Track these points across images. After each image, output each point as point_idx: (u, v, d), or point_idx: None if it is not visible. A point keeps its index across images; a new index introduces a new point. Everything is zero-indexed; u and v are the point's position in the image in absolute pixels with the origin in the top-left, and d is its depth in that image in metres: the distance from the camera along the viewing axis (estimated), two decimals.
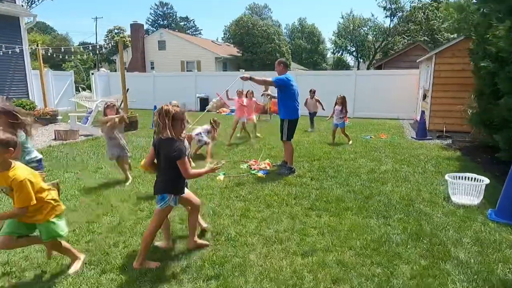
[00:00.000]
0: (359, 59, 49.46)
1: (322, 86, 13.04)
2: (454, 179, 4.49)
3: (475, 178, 4.44)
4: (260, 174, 5.55)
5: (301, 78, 15.62)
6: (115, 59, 31.58)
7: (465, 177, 4.50)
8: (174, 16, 58.84)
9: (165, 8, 57.58)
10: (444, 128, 9.30)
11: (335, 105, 8.38)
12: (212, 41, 33.26)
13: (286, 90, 5.54)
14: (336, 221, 3.77)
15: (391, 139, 8.97)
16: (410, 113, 13.59)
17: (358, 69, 45.59)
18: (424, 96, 10.47)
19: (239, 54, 29.67)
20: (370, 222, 3.76)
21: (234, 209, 4.14)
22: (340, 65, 48.01)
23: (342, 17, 47.73)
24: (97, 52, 43.88)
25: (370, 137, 9.18)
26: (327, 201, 4.39)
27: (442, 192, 4.74)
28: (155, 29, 49.50)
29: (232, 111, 15.89)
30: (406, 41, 40.24)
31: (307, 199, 4.49)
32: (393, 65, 15.77)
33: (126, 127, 10.21)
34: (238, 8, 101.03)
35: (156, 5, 56.85)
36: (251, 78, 5.38)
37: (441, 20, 39.77)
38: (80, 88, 16.27)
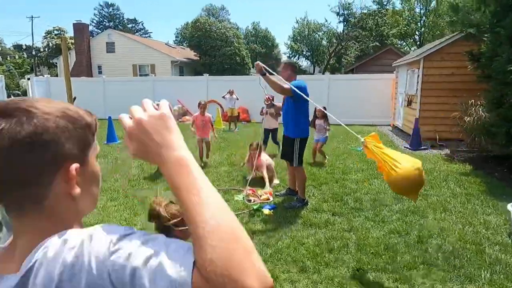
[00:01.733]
0: (314, 64, 49.95)
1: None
2: None
3: None
4: (267, 210, 4.26)
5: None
6: (56, 63, 28.28)
7: None
8: (121, 18, 55.37)
9: (111, 9, 53.91)
10: (437, 136, 8.70)
11: (315, 118, 6.79)
12: (166, 44, 31.18)
13: (301, 102, 4.30)
14: None
15: None
16: (385, 119, 13.11)
17: (313, 73, 45.99)
18: (410, 102, 9.89)
19: (196, 58, 28.02)
20: None
21: None
22: (297, 69, 48.05)
23: (297, 22, 48.00)
24: (34, 54, 39.55)
25: (361, 149, 8.28)
26: (375, 253, 3.23)
27: (498, 226, 3.83)
28: (100, 31, 45.90)
29: None
30: (357, 46, 41.36)
31: (346, 251, 3.30)
32: (365, 69, 15.35)
33: None
34: (190, 10, 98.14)
35: (100, 5, 53.01)
36: (265, 75, 4.04)
37: (389, 27, 41.50)
38: (12, 96, 13.74)
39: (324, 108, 6.79)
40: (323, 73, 42.62)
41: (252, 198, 4.70)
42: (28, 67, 52.39)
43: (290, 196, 4.77)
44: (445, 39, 8.99)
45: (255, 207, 4.38)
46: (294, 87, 4.05)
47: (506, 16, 5.40)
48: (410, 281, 2.79)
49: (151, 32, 66.46)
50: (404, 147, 8.60)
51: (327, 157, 6.89)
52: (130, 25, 55.95)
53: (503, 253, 3.22)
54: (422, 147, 8.26)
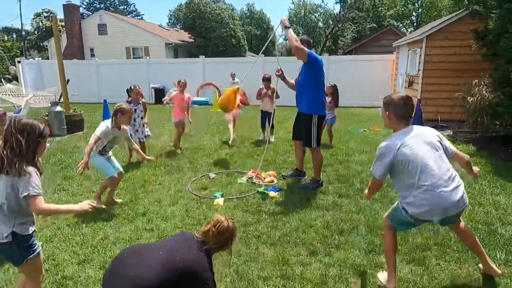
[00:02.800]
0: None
1: (290, 74, 11.95)
2: None
3: None
4: (272, 193, 4.16)
5: (264, 65, 14.33)
6: (47, 45, 27.54)
7: None
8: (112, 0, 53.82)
9: None
10: (439, 118, 8.60)
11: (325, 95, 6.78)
12: (159, 26, 30.41)
13: (316, 74, 4.15)
14: (430, 277, 2.55)
15: (386, 132, 8.04)
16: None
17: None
18: (411, 83, 9.73)
19: (191, 40, 27.38)
20: (474, 274, 2.58)
21: (265, 263, 2.73)
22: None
23: (293, 3, 47.06)
24: (24, 37, 38.46)
25: (364, 130, 8.19)
26: None
27: (508, 206, 3.77)
28: (91, 13, 44.61)
29: (194, 102, 14.13)
30: (354, 28, 40.74)
31: (356, 233, 3.22)
32: (363, 50, 15.07)
33: (70, 128, 8.21)
34: None
35: None
36: (288, 28, 4.13)
37: (386, 8, 40.86)
38: (3, 80, 13.33)
39: (335, 85, 6.68)
40: (320, 54, 42.19)
41: (256, 181, 4.59)
42: (18, 51, 51.03)
43: (298, 178, 4.67)
44: (449, 17, 8.76)
45: (260, 189, 4.27)
46: (309, 51, 3.97)
47: None
48: (425, 262, 2.72)
49: (143, 14, 65.04)
50: None
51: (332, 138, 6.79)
52: (121, 7, 54.41)
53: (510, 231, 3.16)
54: None
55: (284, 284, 2.47)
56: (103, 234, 3.24)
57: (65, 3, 24.78)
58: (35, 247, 1.95)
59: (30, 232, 1.92)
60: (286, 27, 4.16)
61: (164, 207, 3.84)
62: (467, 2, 7.25)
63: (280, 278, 2.55)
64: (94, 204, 2.02)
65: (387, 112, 2.35)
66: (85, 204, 1.97)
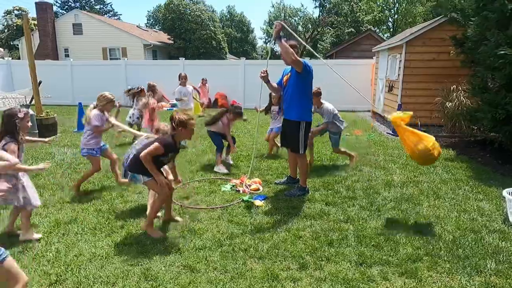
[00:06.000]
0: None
1: (275, 77, 11.96)
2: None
3: None
4: (258, 202, 4.02)
5: (245, 68, 14.22)
6: (18, 45, 26.37)
7: None
8: None
9: None
10: (418, 122, 8.73)
11: (271, 104, 6.09)
12: (137, 26, 29.77)
13: (307, 82, 4.08)
14: (417, 287, 2.48)
15: (368, 137, 8.09)
16: (365, 105, 13.10)
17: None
18: (391, 88, 9.86)
19: (170, 41, 26.95)
20: (467, 285, 2.53)
21: (253, 280, 2.59)
22: (273, 55, 47.65)
23: (273, 6, 47.30)
24: None
25: (346, 135, 8.19)
26: (376, 245, 3.08)
27: (492, 212, 3.79)
28: (65, 12, 43.19)
29: (173, 105, 13.83)
30: (333, 32, 41.35)
31: (346, 243, 3.12)
32: (343, 54, 15.20)
33: (42, 132, 7.76)
34: None
35: None
36: (281, 38, 3.94)
37: (364, 13, 41.75)
38: None
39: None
40: (300, 57, 42.49)
41: (240, 189, 4.44)
42: None
43: (290, 185, 4.56)
44: (427, 24, 8.92)
45: (245, 198, 4.12)
46: (304, 60, 3.90)
47: (494, 0, 5.32)
48: (417, 274, 2.65)
49: (121, 15, 63.72)
50: (386, 133, 8.59)
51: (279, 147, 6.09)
52: (97, 7, 53.04)
53: (503, 241, 3.15)
54: None
55: None
56: (78, 250, 3.00)
57: (37, 1, 23.82)
58: None
59: None
60: (278, 38, 3.97)
61: (143, 219, 3.63)
62: (442, 10, 7.38)
63: None
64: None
65: None
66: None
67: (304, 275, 2.65)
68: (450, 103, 7.67)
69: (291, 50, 3.91)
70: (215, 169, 5.20)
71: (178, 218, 3.58)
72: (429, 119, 8.73)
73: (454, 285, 2.53)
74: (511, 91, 5.13)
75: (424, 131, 8.35)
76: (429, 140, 3.64)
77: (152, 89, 5.81)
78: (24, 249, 3.01)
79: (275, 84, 4.39)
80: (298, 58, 3.98)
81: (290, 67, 4.24)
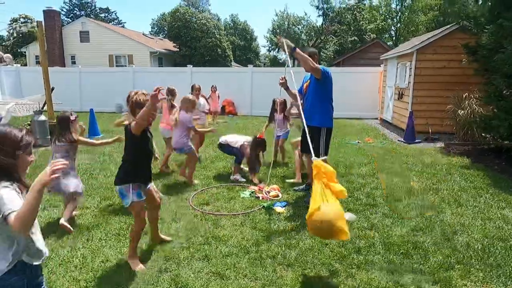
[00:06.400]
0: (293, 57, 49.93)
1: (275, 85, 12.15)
2: None
3: None
4: (279, 209, 3.99)
5: (252, 76, 14.27)
6: (25, 52, 26.62)
7: None
8: (93, 7, 53.09)
9: None
10: (430, 130, 8.71)
11: (274, 112, 5.97)
12: (143, 34, 30.03)
13: (327, 88, 4.09)
14: None
15: (381, 144, 8.07)
16: (373, 112, 13.11)
17: (293, 66, 45.82)
18: (401, 95, 9.86)
19: (175, 49, 27.15)
20: None
21: (286, 287, 2.55)
22: (276, 63, 47.90)
23: (277, 15, 47.70)
24: None
25: (358, 142, 8.18)
26: (405, 253, 3.04)
27: None
28: (70, 20, 43.70)
29: None
30: (336, 40, 41.60)
31: (374, 251, 3.09)
32: (351, 62, 15.27)
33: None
34: (166, 0, 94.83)
35: None
36: (294, 50, 3.87)
37: (367, 22, 42.01)
38: None
39: (285, 101, 5.85)
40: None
41: (259, 195, 4.41)
42: None
43: (309, 192, 4.53)
44: (438, 32, 8.96)
45: (265, 204, 4.10)
46: (322, 67, 3.90)
47: (510, 7, 5.34)
48: (451, 283, 2.61)
49: (125, 23, 64.32)
50: (398, 140, 8.56)
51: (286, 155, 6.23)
52: (102, 15, 53.69)
53: None
54: (417, 141, 8.24)
55: None
56: (104, 256, 2.97)
57: (45, 8, 24.11)
58: None
59: None
60: (293, 49, 3.93)
61: (167, 224, 3.61)
62: (454, 18, 7.41)
63: None
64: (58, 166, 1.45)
65: None
66: (45, 177, 1.40)
67: (336, 283, 2.61)
68: (462, 111, 7.66)
69: (309, 58, 3.93)
70: (232, 178, 5.17)
71: (167, 237, 3.25)
72: (440, 127, 8.73)
73: None
74: None
75: (436, 139, 8.36)
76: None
77: (172, 93, 5.76)
78: (50, 254, 2.98)
79: (294, 91, 4.39)
80: (316, 65, 4.00)
81: (309, 74, 4.26)
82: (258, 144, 5.14)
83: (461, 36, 8.05)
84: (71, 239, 3.27)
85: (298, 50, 3.93)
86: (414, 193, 4.60)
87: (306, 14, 63.59)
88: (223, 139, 5.29)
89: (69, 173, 3.50)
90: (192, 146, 4.96)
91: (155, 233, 3.19)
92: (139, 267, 2.77)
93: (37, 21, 8.02)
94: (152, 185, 2.97)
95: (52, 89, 8.18)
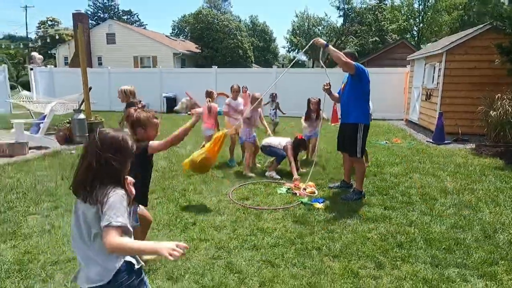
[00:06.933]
0: (313, 58, 49.72)
1: (300, 85, 12.80)
2: None
3: None
4: (318, 204, 4.13)
5: (276, 77, 14.40)
6: (54, 53, 27.68)
7: None
8: (116, 9, 54.56)
9: (105, 0, 52.94)
10: (460, 131, 8.63)
11: (311, 112, 6.08)
12: (167, 36, 30.69)
13: (363, 85, 4.20)
14: None
15: (408, 145, 8.07)
16: (398, 113, 13.03)
17: (312, 67, 45.69)
18: (429, 96, 9.80)
19: (198, 50, 27.63)
20: None
21: (334, 276, 2.69)
22: (295, 63, 47.86)
23: (297, 16, 47.65)
24: (30, 45, 38.67)
25: (386, 143, 8.20)
26: (447, 248, 3.12)
27: None
28: (94, 22, 45.04)
29: None
30: (357, 41, 41.18)
31: (416, 246, 3.18)
32: (376, 63, 15.20)
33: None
34: (187, 2, 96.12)
35: None
36: (327, 46, 4.08)
37: (388, 22, 41.37)
38: (19, 87, 13.36)
39: (319, 100, 5.92)
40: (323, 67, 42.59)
41: (297, 191, 4.56)
42: (22, 58, 51.09)
43: (344, 189, 4.66)
44: (469, 32, 8.87)
45: (303, 200, 4.24)
46: (356, 63, 4.03)
47: None
48: (496, 277, 2.68)
49: (146, 24, 65.76)
50: (427, 141, 8.52)
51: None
52: (125, 17, 55.09)
53: None
54: (446, 141, 8.18)
55: None
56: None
57: (74, 11, 25.01)
58: None
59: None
60: (326, 45, 4.16)
61: (211, 217, 3.80)
62: (490, 17, 7.34)
63: None
64: (181, 251, 1.38)
65: None
66: (166, 249, 1.37)
67: (383, 274, 2.73)
68: (494, 112, 7.57)
69: (341, 53, 4.07)
70: (267, 174, 5.34)
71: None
72: (469, 128, 8.63)
73: None
74: None
75: (466, 140, 8.27)
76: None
77: (209, 95, 5.97)
78: None
79: (336, 94, 4.54)
80: (349, 60, 4.08)
81: (347, 75, 4.38)
82: (300, 143, 5.35)
83: (494, 36, 7.96)
84: None
85: (330, 46, 4.12)
86: (449, 192, 4.64)
87: (326, 15, 63.10)
88: (266, 141, 5.53)
89: None
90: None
91: None
92: None
93: (78, 25, 8.44)
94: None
95: (90, 88, 8.58)
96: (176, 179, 5.15)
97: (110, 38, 25.84)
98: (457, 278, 2.68)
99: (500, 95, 7.61)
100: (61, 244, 3.14)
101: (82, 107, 8.69)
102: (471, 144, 7.94)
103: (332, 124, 10.06)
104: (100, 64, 25.52)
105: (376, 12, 42.06)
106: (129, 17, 56.60)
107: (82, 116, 7.90)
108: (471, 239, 3.30)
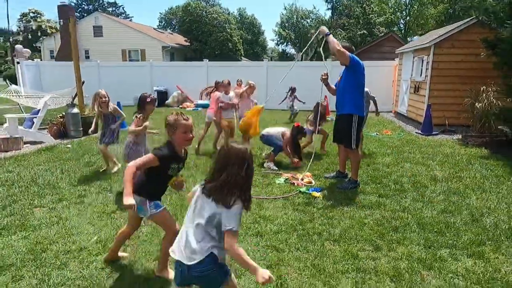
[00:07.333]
0: (302, 50, 49.98)
1: (296, 79, 12.62)
2: None
3: None
4: (316, 193, 4.30)
5: (267, 70, 14.54)
6: (39, 47, 27.07)
7: None
8: (101, 1, 53.51)
9: None
10: (447, 122, 8.94)
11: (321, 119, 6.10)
12: (154, 29, 30.32)
13: (358, 77, 4.36)
14: (494, 269, 2.73)
15: (398, 136, 8.33)
16: (387, 106, 13.31)
17: (301, 60, 45.89)
18: (417, 89, 10.07)
19: (187, 43, 27.42)
20: None
21: (336, 258, 2.87)
22: (284, 56, 47.97)
23: (285, 8, 47.68)
24: (11, 38, 37.63)
25: (376, 134, 8.45)
26: (439, 231, 3.34)
27: None
28: (79, 14, 44.13)
29: (198, 106, 14.18)
30: (345, 34, 41.41)
31: (410, 230, 3.39)
32: (365, 56, 15.40)
33: (84, 130, 8.09)
34: None
35: None
36: (328, 35, 4.30)
37: (376, 15, 41.66)
38: (7, 81, 13.11)
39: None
40: (311, 60, 42.78)
41: (294, 181, 4.72)
42: (3, 51, 49.79)
43: (340, 179, 4.84)
44: (456, 26, 9.12)
45: (302, 189, 4.41)
46: (351, 55, 4.17)
47: None
48: (484, 256, 2.91)
49: (132, 17, 64.65)
50: (416, 132, 8.80)
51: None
52: (110, 9, 54.06)
53: None
54: (434, 133, 8.47)
55: (362, 277, 2.62)
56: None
57: (59, 4, 24.47)
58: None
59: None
60: (326, 34, 4.35)
61: None
62: (476, 12, 7.57)
63: (356, 271, 2.69)
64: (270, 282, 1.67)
65: None
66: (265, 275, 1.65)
67: (381, 255, 2.92)
68: (480, 104, 7.88)
69: (337, 42, 4.23)
70: (265, 165, 5.50)
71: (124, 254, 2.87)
72: (456, 120, 8.94)
73: None
74: None
75: (453, 131, 8.56)
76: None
77: (216, 86, 6.42)
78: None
79: (333, 86, 4.69)
80: (344, 50, 4.23)
81: (343, 68, 4.53)
82: (299, 131, 5.55)
83: (479, 30, 8.23)
84: None
85: (331, 36, 4.30)
86: (439, 180, 4.88)
87: (315, 8, 63.30)
88: (265, 131, 5.71)
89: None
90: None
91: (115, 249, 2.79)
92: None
93: (69, 18, 8.35)
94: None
95: (83, 83, 8.54)
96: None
97: (97, 31, 25.41)
98: (448, 258, 2.89)
99: (485, 87, 7.92)
100: (70, 234, 3.23)
101: (75, 101, 8.65)
102: (458, 135, 8.26)
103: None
104: (87, 57, 25.09)
105: (364, 5, 42.30)
106: (114, 9, 55.58)
107: (76, 110, 7.88)
108: (460, 222, 3.53)
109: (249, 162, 1.79)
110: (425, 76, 9.49)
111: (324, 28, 4.46)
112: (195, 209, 1.85)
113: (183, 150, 2.47)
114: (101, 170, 5.26)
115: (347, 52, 4.26)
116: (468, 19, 8.88)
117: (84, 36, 25.55)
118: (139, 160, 2.24)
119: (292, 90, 11.19)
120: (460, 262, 2.83)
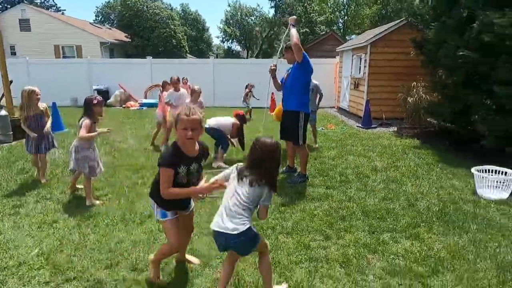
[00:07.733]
0: (247, 48, 50.24)
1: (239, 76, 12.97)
2: (480, 173, 4.30)
3: (503, 172, 4.34)
4: None
5: (214, 67, 14.46)
6: None
7: (490, 170, 4.37)
8: None
9: None
10: (384, 116, 9.64)
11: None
12: (91, 23, 28.44)
13: (306, 75, 4.50)
14: (428, 248, 3.04)
15: (341, 130, 8.81)
16: (330, 101, 13.96)
17: (247, 57, 46.29)
18: (357, 85, 10.71)
19: (127, 39, 26.15)
20: (459, 241, 3.15)
21: (290, 250, 2.99)
22: (230, 53, 47.94)
23: (229, 5, 47.50)
24: None
25: (322, 129, 8.84)
26: (381, 217, 3.63)
27: (463, 188, 4.54)
28: (0, 6, 39.90)
29: (142, 105, 13.65)
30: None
31: (355, 218, 3.63)
32: (308, 54, 16.00)
33: (15, 134, 7.37)
34: None
35: None
36: (294, 26, 4.39)
37: (317, 14, 43.32)
38: None
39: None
40: (256, 57, 43.32)
41: None
42: None
43: (290, 174, 4.98)
44: (388, 27, 9.85)
45: None
46: (307, 58, 4.30)
47: (451, 7, 6.18)
48: (419, 236, 3.22)
49: (64, 10, 60.04)
50: (357, 126, 9.37)
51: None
52: (38, 1, 49.60)
53: (476, 208, 3.86)
54: (373, 126, 9.09)
55: (315, 265, 2.76)
56: (118, 238, 3.18)
57: None
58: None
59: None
60: (292, 25, 4.44)
61: None
62: (406, 14, 8.25)
63: (309, 261, 2.82)
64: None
65: None
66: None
67: (331, 244, 3.10)
68: (411, 98, 8.62)
69: (298, 36, 4.37)
70: (214, 165, 5.44)
71: (194, 259, 2.84)
72: (392, 113, 9.68)
73: (450, 242, 3.13)
74: (467, 87, 6.01)
75: (389, 124, 9.24)
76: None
77: (163, 86, 6.35)
78: (61, 240, 3.12)
79: (279, 81, 4.80)
80: (301, 45, 4.39)
81: (291, 66, 4.67)
82: (242, 118, 5.74)
83: (408, 31, 8.97)
84: (77, 227, 3.40)
85: (295, 29, 4.42)
86: (379, 170, 5.27)
87: (258, 6, 64.02)
88: (214, 122, 5.56)
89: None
90: None
91: (182, 254, 2.81)
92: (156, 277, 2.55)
93: None
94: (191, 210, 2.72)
95: (11, 82, 7.78)
96: (123, 174, 5.04)
97: (24, 25, 23.19)
98: (390, 241, 3.15)
99: (415, 83, 8.68)
100: (6, 249, 2.96)
101: (2, 102, 7.86)
102: (394, 127, 8.96)
103: (272, 113, 10.46)
104: (13, 53, 22.82)
105: (305, 4, 43.69)
106: (43, 1, 51.05)
107: (4, 112, 7.16)
108: (398, 208, 3.87)
109: (279, 155, 2.23)
110: (364, 73, 10.13)
111: (295, 18, 4.54)
112: (234, 188, 2.16)
113: (197, 148, 2.33)
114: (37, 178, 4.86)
115: (302, 49, 4.41)
116: (399, 20, 9.63)
117: (9, 30, 23.18)
118: (162, 182, 2.24)
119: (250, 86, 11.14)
120: (400, 244, 3.11)
